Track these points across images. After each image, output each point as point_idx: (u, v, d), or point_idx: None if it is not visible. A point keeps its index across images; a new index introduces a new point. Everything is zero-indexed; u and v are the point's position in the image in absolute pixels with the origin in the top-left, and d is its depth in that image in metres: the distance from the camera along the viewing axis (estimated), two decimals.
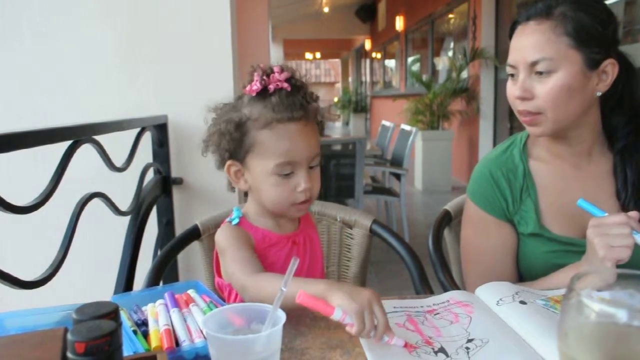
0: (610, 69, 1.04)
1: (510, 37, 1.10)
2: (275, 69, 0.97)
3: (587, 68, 1.02)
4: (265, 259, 1.00)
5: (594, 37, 1.01)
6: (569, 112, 1.04)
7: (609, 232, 0.92)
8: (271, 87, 0.96)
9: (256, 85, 0.96)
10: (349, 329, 0.75)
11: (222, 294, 1.06)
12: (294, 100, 0.95)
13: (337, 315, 0.75)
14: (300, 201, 0.99)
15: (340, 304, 0.76)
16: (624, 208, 1.08)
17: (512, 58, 1.07)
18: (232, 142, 0.98)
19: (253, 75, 0.97)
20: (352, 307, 0.75)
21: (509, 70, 1.09)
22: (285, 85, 0.96)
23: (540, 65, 1.02)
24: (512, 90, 1.08)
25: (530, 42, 1.03)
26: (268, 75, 0.96)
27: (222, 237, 1.00)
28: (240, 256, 0.95)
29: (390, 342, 0.77)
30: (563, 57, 1.01)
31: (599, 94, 1.06)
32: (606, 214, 0.94)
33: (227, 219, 1.06)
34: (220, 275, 1.04)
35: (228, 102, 1.03)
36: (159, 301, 0.88)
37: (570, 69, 1.01)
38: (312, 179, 1.00)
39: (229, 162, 1.01)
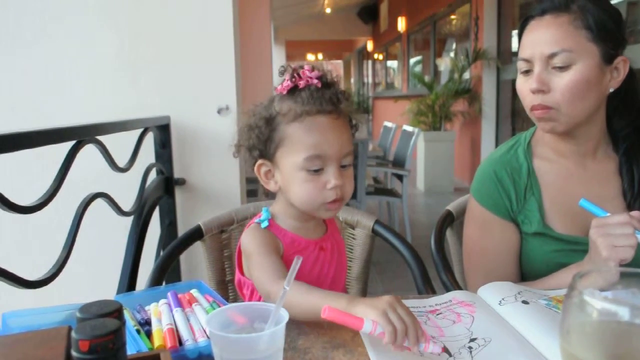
0: (622, 65, 1.05)
1: (521, 33, 1.09)
2: (306, 67, 0.97)
3: (603, 62, 1.03)
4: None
5: (610, 32, 1.02)
6: (584, 107, 1.04)
7: (612, 232, 0.91)
8: (301, 83, 0.95)
9: (287, 83, 0.96)
10: (385, 341, 0.73)
11: (240, 291, 1.05)
12: (324, 94, 0.95)
13: (367, 328, 0.73)
14: (330, 200, 0.95)
15: (362, 313, 0.74)
16: (630, 207, 1.08)
17: (526, 52, 1.06)
18: (261, 136, 0.97)
19: (284, 75, 0.97)
20: (375, 312, 0.73)
21: (521, 66, 1.07)
22: (316, 81, 0.96)
23: (559, 57, 1.01)
24: (526, 85, 1.06)
25: (548, 35, 1.03)
26: (298, 73, 0.96)
27: (249, 240, 0.98)
28: (266, 263, 0.93)
29: (426, 349, 0.74)
30: (582, 49, 1.01)
31: (611, 90, 1.06)
32: (608, 214, 0.94)
33: (256, 220, 1.03)
34: (242, 272, 1.03)
35: (261, 102, 1.02)
36: (162, 301, 0.89)
37: (588, 62, 1.01)
38: (344, 178, 0.97)
39: (259, 162, 1.00)
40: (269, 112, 0.97)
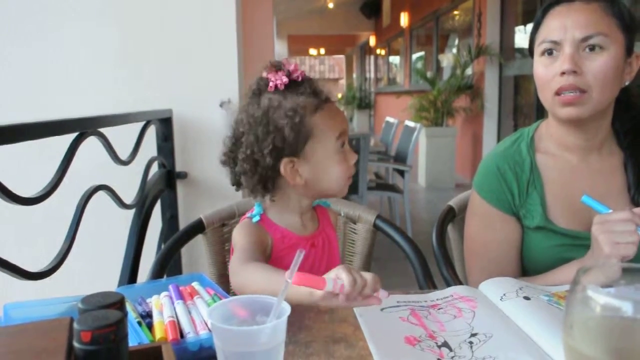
0: (634, 61, 1.06)
1: (542, 17, 1.08)
2: (284, 61, 1.00)
3: (626, 53, 1.04)
4: (282, 260, 1.00)
5: (631, 25, 1.04)
6: (611, 94, 1.04)
7: (614, 228, 0.91)
8: (297, 76, 0.99)
9: (285, 79, 0.98)
10: (342, 297, 0.75)
11: None
12: (318, 84, 1.02)
13: (329, 286, 0.75)
14: (351, 174, 1.03)
15: (328, 275, 0.76)
16: (634, 202, 1.08)
17: (554, 35, 1.04)
18: (292, 134, 0.96)
19: (269, 72, 0.99)
20: (339, 268, 0.76)
21: (545, 46, 1.05)
22: (302, 73, 1.00)
23: (593, 40, 1.01)
24: (550, 68, 1.04)
25: (581, 18, 1.02)
26: (289, 69, 0.99)
27: (238, 234, 1.00)
28: (242, 246, 0.96)
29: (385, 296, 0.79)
30: (614, 35, 1.02)
31: (627, 83, 1.06)
32: (611, 211, 0.94)
33: (248, 214, 1.04)
34: None
35: (253, 105, 1.00)
36: (164, 293, 0.89)
37: (617, 50, 1.02)
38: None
39: (285, 160, 0.98)
40: (288, 108, 0.96)
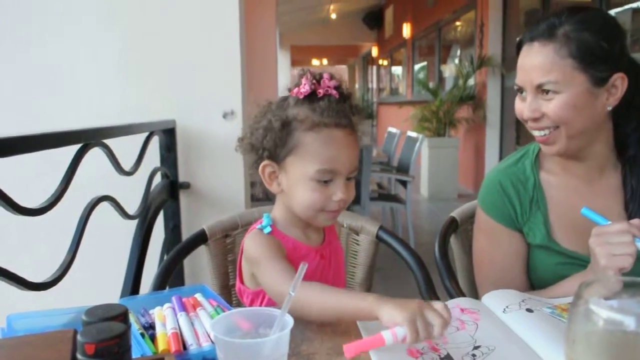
0: (619, 82, 1.02)
1: (518, 53, 1.09)
2: (325, 75, 0.96)
3: (593, 87, 1.01)
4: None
5: (599, 56, 1.00)
6: (580, 127, 1.03)
7: (611, 240, 0.90)
8: (320, 91, 0.95)
9: (305, 88, 0.95)
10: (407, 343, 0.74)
11: (241, 299, 1.05)
12: (343, 108, 0.96)
13: (389, 339, 0.73)
14: (331, 209, 0.98)
15: (389, 314, 0.75)
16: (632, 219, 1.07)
17: (519, 78, 1.07)
18: (275, 140, 0.96)
19: (301, 78, 0.97)
20: (403, 315, 0.73)
21: (516, 87, 1.09)
22: (334, 92, 0.96)
23: (546, 86, 1.02)
24: (521, 108, 1.08)
25: (535, 64, 1.03)
26: (318, 80, 0.96)
27: (254, 246, 0.98)
28: (278, 266, 0.93)
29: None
30: (568, 78, 1.00)
31: (609, 108, 1.04)
32: (609, 223, 0.94)
33: (258, 226, 1.03)
34: (242, 281, 1.03)
35: (272, 101, 1.00)
36: (167, 305, 0.89)
37: (575, 90, 1.01)
38: (348, 190, 0.98)
39: (265, 162, 0.98)
40: (286, 115, 0.96)
